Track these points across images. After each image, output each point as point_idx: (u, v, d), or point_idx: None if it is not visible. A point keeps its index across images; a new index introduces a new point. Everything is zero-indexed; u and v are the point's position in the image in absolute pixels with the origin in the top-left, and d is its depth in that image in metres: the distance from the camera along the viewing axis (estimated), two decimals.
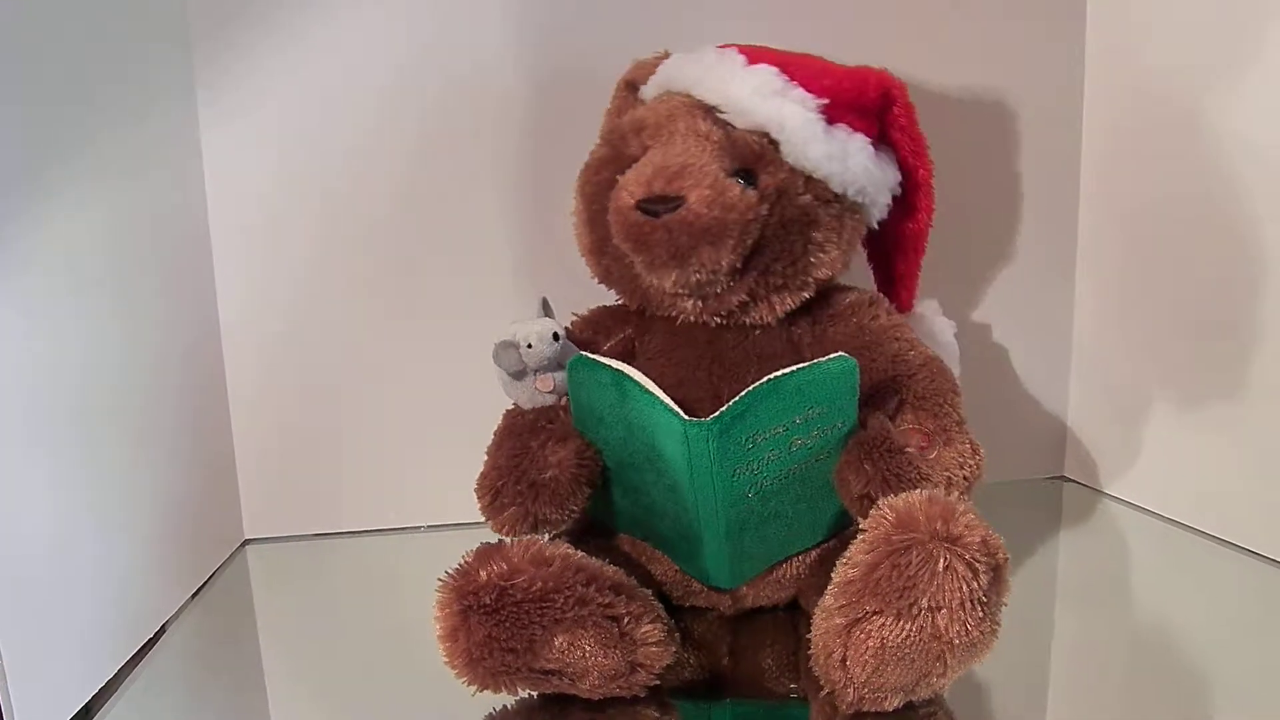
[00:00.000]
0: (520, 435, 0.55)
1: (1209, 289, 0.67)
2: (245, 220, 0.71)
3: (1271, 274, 0.62)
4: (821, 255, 0.54)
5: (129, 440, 0.58)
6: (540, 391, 0.55)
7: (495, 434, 0.57)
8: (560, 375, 0.55)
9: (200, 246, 0.70)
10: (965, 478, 0.52)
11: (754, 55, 0.56)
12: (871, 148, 0.55)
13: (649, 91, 0.60)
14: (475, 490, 0.55)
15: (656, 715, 0.48)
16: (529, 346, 0.54)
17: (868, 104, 0.56)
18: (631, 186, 0.51)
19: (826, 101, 0.54)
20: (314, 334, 0.73)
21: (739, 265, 0.52)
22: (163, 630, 0.60)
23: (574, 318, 0.61)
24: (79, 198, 0.53)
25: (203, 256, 0.70)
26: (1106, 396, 0.78)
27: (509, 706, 0.49)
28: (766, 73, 0.54)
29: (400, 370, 0.73)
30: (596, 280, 0.59)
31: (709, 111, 0.55)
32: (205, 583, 0.67)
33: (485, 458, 0.56)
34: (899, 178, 0.58)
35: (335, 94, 0.70)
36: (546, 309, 0.57)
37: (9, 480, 0.46)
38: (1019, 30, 0.76)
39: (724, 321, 0.56)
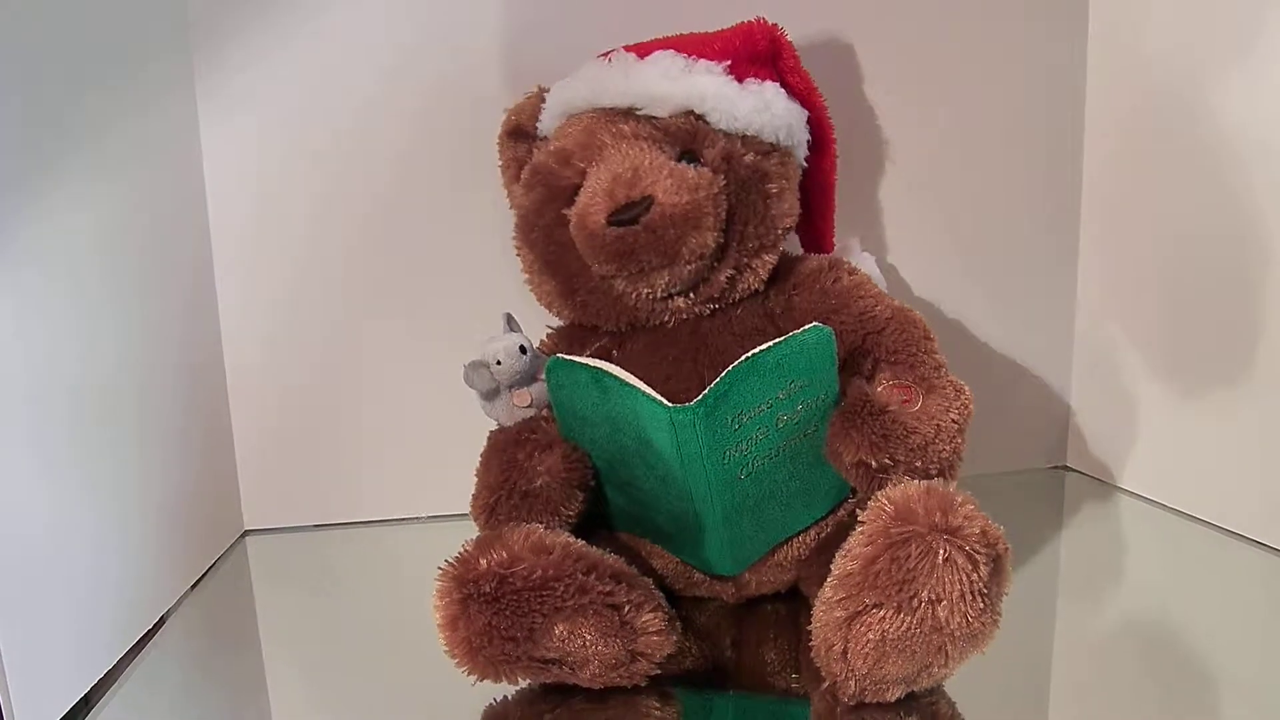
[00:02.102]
0: (506, 450, 0.55)
1: (1211, 278, 0.67)
2: (245, 213, 0.70)
3: (1274, 263, 0.62)
4: (781, 205, 0.55)
5: (129, 432, 0.58)
6: (518, 407, 0.55)
7: (481, 456, 0.57)
8: (537, 388, 0.55)
9: (200, 239, 0.70)
10: (954, 420, 0.51)
11: (641, 49, 0.57)
12: (784, 91, 0.57)
13: (547, 125, 0.59)
14: (470, 512, 0.56)
15: (657, 705, 0.48)
16: (498, 364, 0.54)
17: (761, 53, 0.57)
18: (597, 205, 0.52)
19: (729, 62, 0.55)
20: (313, 325, 0.72)
21: (720, 242, 0.53)
22: (162, 621, 0.60)
23: (548, 331, 0.61)
24: (79, 192, 0.53)
25: (202, 249, 0.70)
26: (1108, 386, 0.78)
27: (509, 696, 0.49)
28: (666, 57, 0.56)
29: (399, 361, 0.73)
30: (571, 322, 0.59)
31: (627, 114, 0.55)
32: (205, 574, 0.66)
33: (474, 479, 0.56)
34: (806, 115, 0.59)
35: (335, 89, 0.70)
36: (511, 324, 0.57)
37: (8, 472, 0.46)
38: (1020, 19, 0.75)
39: (717, 306, 0.56)
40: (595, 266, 0.53)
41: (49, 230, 0.50)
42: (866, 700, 0.45)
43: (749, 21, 0.57)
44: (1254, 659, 0.52)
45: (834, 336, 0.49)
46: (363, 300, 0.72)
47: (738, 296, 0.56)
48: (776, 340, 0.49)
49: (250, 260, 0.71)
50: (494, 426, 0.57)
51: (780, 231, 0.56)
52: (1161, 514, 0.72)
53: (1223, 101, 0.64)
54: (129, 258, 0.59)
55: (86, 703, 0.51)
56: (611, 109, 0.56)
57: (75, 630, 0.51)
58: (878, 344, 0.54)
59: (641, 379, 0.50)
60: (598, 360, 0.51)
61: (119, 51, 0.59)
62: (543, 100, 0.60)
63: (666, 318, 0.56)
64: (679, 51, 0.56)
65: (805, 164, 0.59)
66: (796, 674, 0.51)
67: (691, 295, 0.55)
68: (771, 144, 0.56)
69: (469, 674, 0.47)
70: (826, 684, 0.46)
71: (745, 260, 0.55)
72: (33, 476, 0.48)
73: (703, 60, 0.55)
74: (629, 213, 0.50)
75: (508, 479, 0.54)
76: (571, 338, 0.59)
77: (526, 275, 0.58)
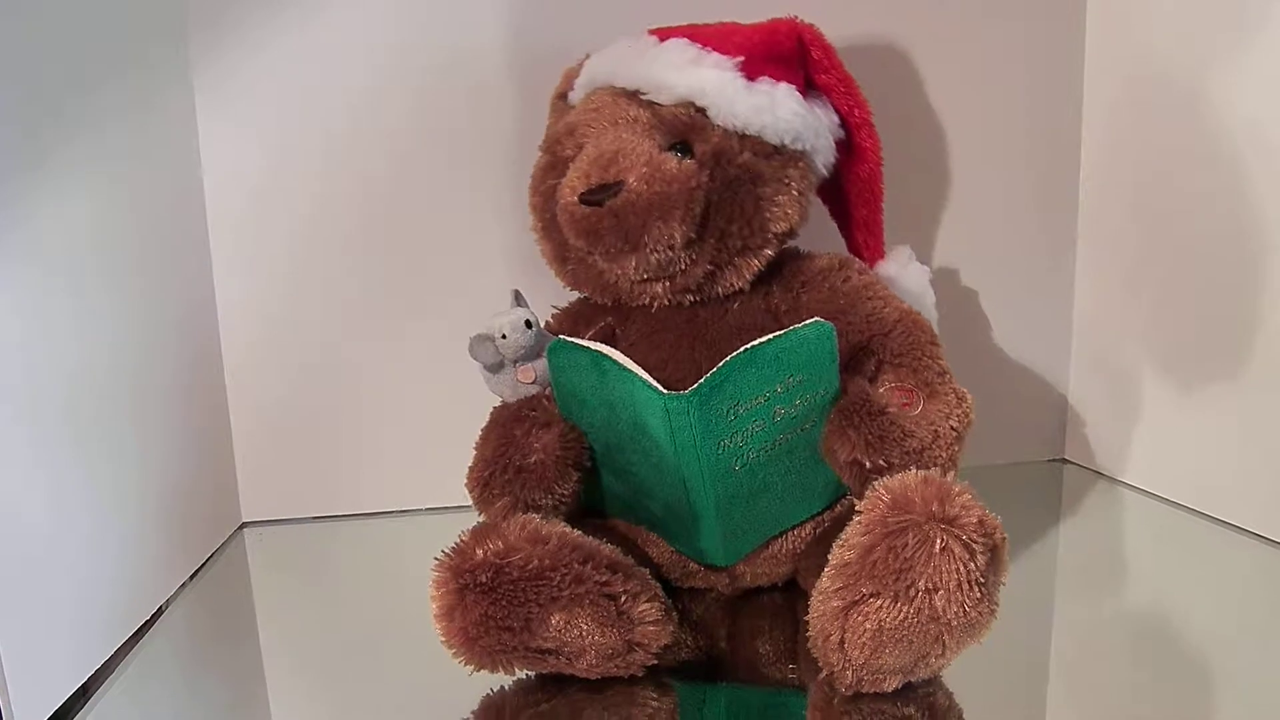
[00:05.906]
0: (505, 426, 0.55)
1: (1209, 271, 0.67)
2: (242, 206, 0.70)
3: (1272, 256, 0.62)
4: (774, 209, 0.54)
5: (127, 424, 0.58)
6: (522, 383, 0.55)
7: (482, 430, 0.57)
8: (540, 364, 0.55)
9: (197, 232, 0.69)
10: (953, 428, 0.51)
11: (665, 33, 0.56)
12: (799, 94, 0.55)
13: (576, 95, 0.60)
14: (465, 485, 0.55)
15: (654, 695, 0.48)
16: (503, 337, 0.54)
17: (785, 53, 0.56)
18: (571, 183, 0.52)
19: (742, 59, 0.54)
20: (311, 317, 0.72)
21: (694, 235, 0.52)
22: (160, 612, 0.60)
23: (554, 310, 0.61)
24: (76, 187, 0.53)
25: (200, 242, 0.70)
26: (1107, 379, 0.78)
27: (506, 686, 0.49)
28: (677, 45, 0.55)
29: (397, 353, 0.73)
30: (567, 288, 0.59)
31: (633, 97, 0.55)
32: (203, 565, 0.67)
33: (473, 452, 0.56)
34: (837, 120, 0.58)
35: (331, 81, 0.70)
36: (519, 300, 0.57)
37: (5, 464, 0.46)
38: (1017, 14, 0.75)
39: (698, 299, 0.56)
40: (570, 240, 0.53)
41: (46, 225, 0.50)
42: (864, 690, 0.45)
43: (778, 19, 0.56)
44: (1251, 650, 0.52)
45: (835, 333, 0.49)
46: (360, 292, 0.72)
47: (721, 292, 0.56)
48: (776, 333, 0.49)
49: (248, 253, 0.71)
50: (497, 403, 0.57)
51: (771, 235, 0.55)
52: (1159, 507, 0.72)
53: (1223, 92, 0.64)
54: (126, 251, 0.59)
55: (84, 693, 0.51)
56: (624, 90, 0.56)
57: (73, 621, 0.51)
58: (883, 345, 0.54)
59: (640, 364, 0.50)
60: (598, 344, 0.51)
61: (116, 45, 0.59)
62: (580, 68, 0.60)
63: (647, 300, 0.56)
64: (696, 41, 0.55)
65: (830, 170, 0.58)
66: (794, 665, 0.51)
67: (668, 283, 0.54)
68: (775, 146, 0.54)
69: (466, 664, 0.47)
70: (824, 674, 0.46)
71: (726, 258, 0.54)
72: (31, 468, 0.48)
73: (715, 53, 0.54)
74: (598, 195, 0.51)
75: (504, 454, 0.54)
76: (577, 317, 0.60)
77: (534, 236, 0.59)
